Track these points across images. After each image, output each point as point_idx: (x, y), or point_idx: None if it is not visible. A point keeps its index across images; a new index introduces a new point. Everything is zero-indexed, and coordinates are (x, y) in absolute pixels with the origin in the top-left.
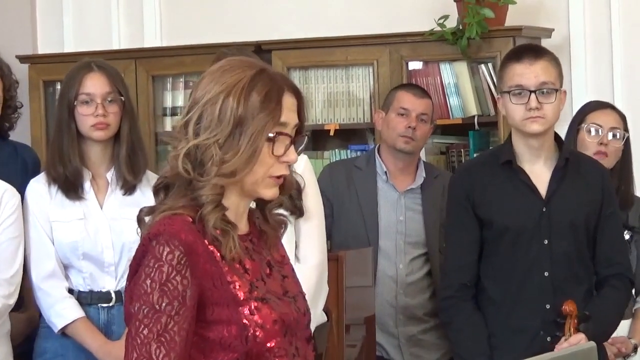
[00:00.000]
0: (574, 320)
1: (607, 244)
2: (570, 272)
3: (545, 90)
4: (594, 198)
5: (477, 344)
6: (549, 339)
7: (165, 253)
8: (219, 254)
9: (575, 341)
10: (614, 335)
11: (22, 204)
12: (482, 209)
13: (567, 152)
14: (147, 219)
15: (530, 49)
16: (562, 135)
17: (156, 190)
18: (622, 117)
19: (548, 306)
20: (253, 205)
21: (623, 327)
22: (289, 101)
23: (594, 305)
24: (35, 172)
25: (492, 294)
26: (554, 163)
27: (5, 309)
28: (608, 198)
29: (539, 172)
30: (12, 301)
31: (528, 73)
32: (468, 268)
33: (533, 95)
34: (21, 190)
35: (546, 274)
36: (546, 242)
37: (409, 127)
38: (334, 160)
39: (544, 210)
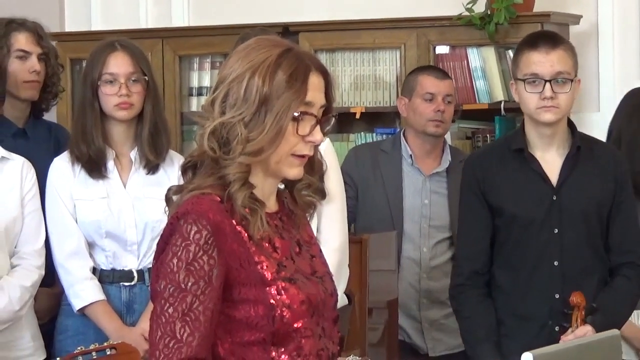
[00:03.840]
0: (581, 312)
1: (619, 231)
2: (581, 262)
3: (560, 79)
4: (607, 185)
5: (483, 330)
6: (557, 328)
7: (192, 232)
8: (246, 235)
9: (582, 333)
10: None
11: (47, 182)
12: (492, 197)
13: (579, 140)
14: (175, 197)
15: (547, 36)
16: (584, 122)
17: (184, 170)
18: None
19: (557, 296)
20: (282, 186)
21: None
22: (315, 81)
23: (605, 296)
24: None
25: (502, 281)
26: (566, 151)
27: (39, 279)
28: (622, 184)
29: (551, 160)
30: (43, 272)
31: (544, 62)
32: (479, 256)
33: (548, 84)
34: None
35: (556, 263)
36: (556, 231)
37: (438, 110)
38: (360, 144)
39: (555, 198)
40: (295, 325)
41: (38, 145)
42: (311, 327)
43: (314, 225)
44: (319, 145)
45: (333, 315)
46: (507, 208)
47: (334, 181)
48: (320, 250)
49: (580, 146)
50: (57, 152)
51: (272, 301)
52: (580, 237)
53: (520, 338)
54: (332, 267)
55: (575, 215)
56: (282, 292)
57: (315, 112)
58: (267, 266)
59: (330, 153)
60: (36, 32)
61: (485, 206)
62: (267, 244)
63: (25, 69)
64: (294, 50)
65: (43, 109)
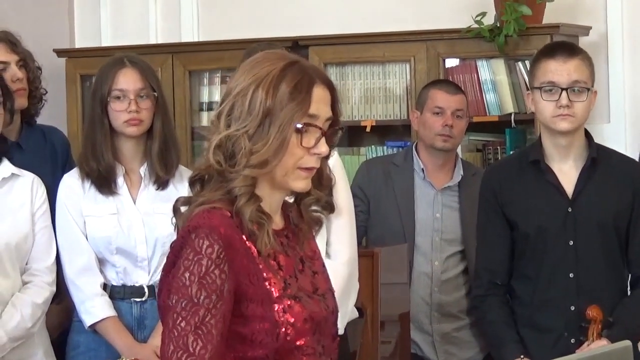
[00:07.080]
0: (598, 325)
1: (639, 243)
2: (597, 274)
3: (576, 88)
4: (625, 197)
5: (508, 332)
6: (572, 340)
7: (204, 246)
8: (255, 250)
9: (596, 347)
10: None
11: (56, 197)
12: (509, 209)
13: (594, 151)
14: (182, 208)
15: (565, 46)
16: (595, 134)
17: (192, 182)
18: None
19: (572, 308)
20: (291, 199)
21: None
22: (320, 93)
23: (623, 308)
24: (64, 154)
25: (519, 293)
26: (584, 162)
27: (51, 296)
28: None
29: (568, 172)
30: (54, 288)
31: (561, 70)
32: (498, 267)
33: (564, 92)
34: (51, 176)
35: (571, 275)
36: (571, 243)
37: (446, 125)
38: (372, 157)
39: (570, 210)
40: (298, 342)
41: (33, 155)
42: (312, 344)
43: (323, 239)
44: (326, 157)
45: (332, 332)
46: (522, 220)
47: (342, 195)
48: (324, 266)
49: (595, 157)
50: (54, 158)
51: (277, 318)
52: (596, 249)
53: (536, 350)
54: (342, 281)
55: (590, 227)
56: (287, 309)
57: (320, 124)
58: (274, 283)
59: (338, 167)
60: (8, 40)
61: (503, 218)
62: (273, 261)
63: (7, 79)
64: (299, 63)
65: (33, 114)
